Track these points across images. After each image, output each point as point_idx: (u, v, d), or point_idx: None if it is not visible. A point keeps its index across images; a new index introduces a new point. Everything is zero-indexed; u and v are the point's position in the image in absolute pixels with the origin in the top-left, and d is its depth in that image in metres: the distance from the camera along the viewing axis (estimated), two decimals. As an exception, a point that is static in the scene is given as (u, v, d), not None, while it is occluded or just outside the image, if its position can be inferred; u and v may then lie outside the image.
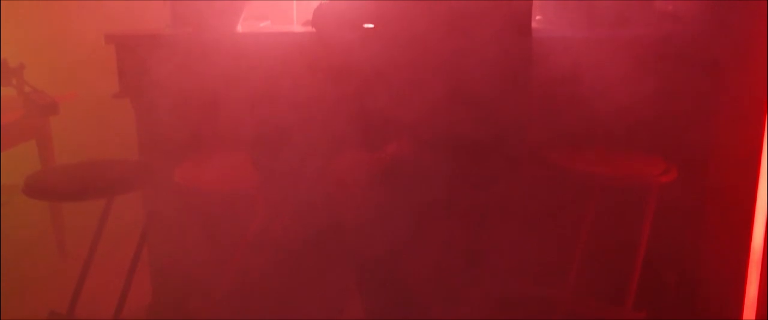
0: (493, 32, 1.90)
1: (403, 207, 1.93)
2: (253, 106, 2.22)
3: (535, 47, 2.07)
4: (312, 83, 2.20)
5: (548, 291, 2.41)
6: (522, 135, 2.04)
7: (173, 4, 2.45)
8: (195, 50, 2.26)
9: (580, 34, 2.31)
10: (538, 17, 2.47)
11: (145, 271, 2.47)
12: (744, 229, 2.33)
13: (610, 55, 2.25)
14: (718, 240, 2.46)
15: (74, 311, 2.37)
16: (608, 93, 2.21)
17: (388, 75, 1.98)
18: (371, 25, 2.15)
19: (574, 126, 2.37)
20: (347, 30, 2.16)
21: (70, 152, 2.94)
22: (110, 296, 2.38)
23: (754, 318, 2.31)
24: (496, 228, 2.10)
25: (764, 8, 2.21)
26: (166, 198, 2.34)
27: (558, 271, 2.38)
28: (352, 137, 2.02)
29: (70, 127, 3.13)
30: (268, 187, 2.15)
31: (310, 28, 2.30)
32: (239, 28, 2.46)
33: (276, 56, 2.26)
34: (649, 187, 2.21)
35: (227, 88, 2.24)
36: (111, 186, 2.11)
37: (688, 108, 2.39)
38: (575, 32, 2.32)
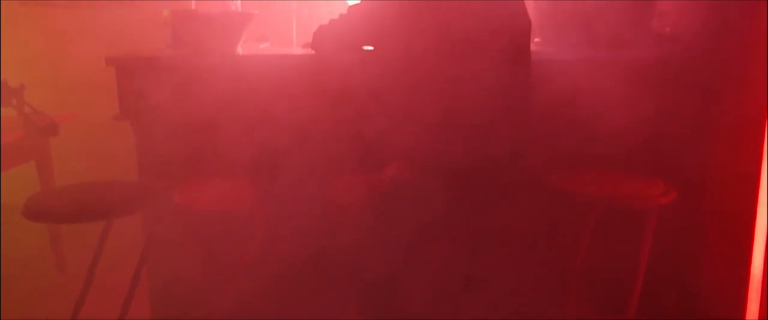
0: (493, 56, 1.91)
1: (401, 230, 1.93)
2: (253, 128, 2.23)
3: (534, 69, 2.08)
4: (311, 105, 2.21)
5: (548, 313, 2.41)
6: (521, 158, 2.04)
7: (173, 27, 2.46)
8: (195, 72, 2.27)
9: (579, 56, 2.31)
10: (536, 39, 2.49)
11: (144, 292, 2.47)
12: (744, 250, 2.33)
13: (609, 77, 2.26)
14: (718, 260, 2.46)
15: (73, 331, 2.36)
16: (607, 114, 2.22)
17: (386, 98, 1.99)
18: (370, 48, 2.16)
19: (573, 148, 2.37)
20: (346, 52, 2.17)
21: (69, 173, 2.93)
22: (109, 316, 2.37)
23: (754, 338, 2.31)
24: (495, 250, 2.10)
25: (762, 30, 2.22)
26: (166, 219, 2.33)
27: (558, 293, 2.37)
28: (351, 159, 2.03)
29: (70, 148, 3.13)
30: (267, 209, 2.16)
31: (309, 51, 2.32)
32: (239, 50, 2.47)
33: (276, 78, 2.27)
34: (648, 209, 2.21)
35: (227, 110, 2.25)
36: (110, 209, 2.11)
37: (687, 129, 2.40)
38: (574, 54, 2.32)
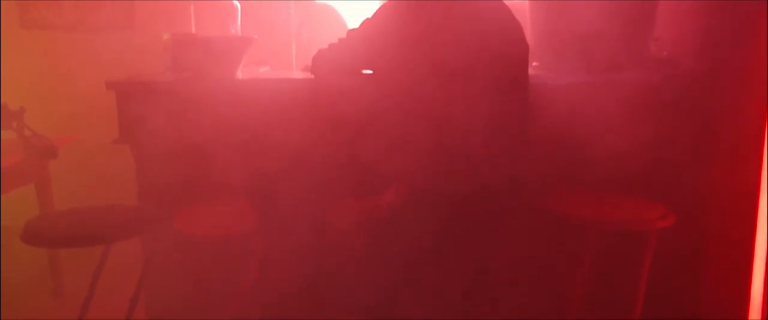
0: (491, 81, 1.92)
1: (399, 255, 1.92)
2: (252, 152, 2.23)
3: (532, 93, 2.09)
4: (310, 129, 2.22)
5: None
6: (519, 182, 2.05)
7: (173, 51, 2.48)
8: (194, 97, 2.28)
9: (577, 80, 2.33)
10: (534, 63, 2.50)
11: (141, 316, 2.46)
12: (743, 273, 2.33)
13: (607, 101, 2.27)
14: (718, 283, 2.46)
15: (71, 356, 2.35)
16: (605, 138, 2.23)
17: (384, 123, 2.00)
18: (369, 72, 2.17)
19: (571, 171, 2.38)
20: (345, 77, 2.18)
21: (69, 197, 2.94)
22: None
23: (755, 363, 2.30)
24: (493, 275, 2.10)
25: (758, 54, 2.24)
26: (164, 243, 2.33)
27: (557, 317, 2.36)
28: (349, 184, 2.03)
29: (69, 171, 3.13)
30: (265, 233, 2.15)
31: (309, 75, 2.33)
32: (239, 74, 2.48)
33: (275, 103, 2.27)
34: (647, 233, 2.21)
35: (226, 134, 2.26)
36: (109, 234, 2.11)
37: (685, 152, 2.40)
38: (572, 78, 2.33)
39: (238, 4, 2.69)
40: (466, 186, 1.92)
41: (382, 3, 2.26)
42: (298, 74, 2.56)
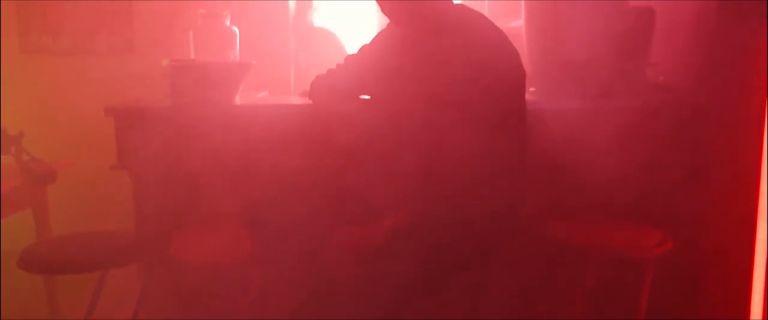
0: (488, 107, 1.93)
1: (396, 282, 1.92)
2: (250, 178, 2.23)
3: (529, 119, 2.10)
4: (308, 155, 2.22)
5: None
6: (517, 209, 2.05)
7: (172, 77, 2.49)
8: (192, 123, 2.28)
9: (574, 105, 2.33)
10: (531, 89, 2.51)
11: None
12: (742, 299, 2.32)
13: (603, 126, 2.27)
14: (716, 309, 2.44)
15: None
16: (602, 163, 2.23)
17: (382, 149, 2.00)
18: (367, 97, 2.18)
19: (568, 197, 2.38)
20: (343, 103, 2.19)
21: (66, 221, 2.93)
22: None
23: (755, 389, 2.29)
24: (491, 301, 2.09)
25: (755, 77, 2.25)
26: (161, 269, 2.33)
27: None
28: (348, 211, 2.03)
29: (67, 196, 3.13)
30: (263, 260, 2.15)
31: (307, 100, 2.34)
32: (237, 100, 2.49)
33: (273, 128, 2.28)
34: (645, 259, 2.20)
35: (224, 160, 2.26)
36: (105, 261, 2.10)
37: (682, 178, 2.40)
38: (569, 104, 2.34)
39: (236, 29, 2.70)
40: (462, 213, 1.92)
41: (380, 28, 2.29)
42: (297, 100, 2.57)
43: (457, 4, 2.09)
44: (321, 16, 3.58)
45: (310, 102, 2.31)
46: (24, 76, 3.45)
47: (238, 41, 2.71)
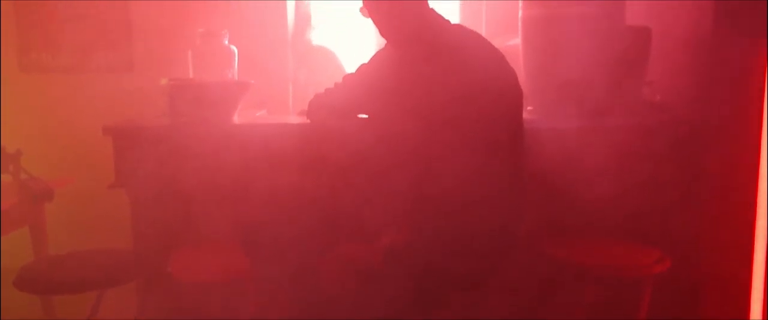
0: (485, 127, 1.93)
1: (393, 300, 1.91)
2: (248, 197, 2.23)
3: (527, 137, 2.10)
4: (306, 175, 2.23)
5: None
6: (515, 228, 2.05)
7: (170, 96, 2.49)
8: (191, 142, 2.29)
9: (571, 124, 2.34)
10: (529, 108, 2.52)
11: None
12: (741, 317, 2.32)
13: (600, 145, 2.28)
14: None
15: None
16: (599, 182, 2.23)
17: (378, 169, 2.01)
18: (365, 116, 2.19)
19: (566, 215, 2.38)
20: (341, 122, 2.20)
21: (64, 240, 2.92)
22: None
23: None
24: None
25: (751, 96, 2.26)
26: (159, 288, 2.32)
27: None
28: (346, 229, 2.03)
29: (64, 214, 3.12)
30: (260, 279, 2.14)
31: (305, 119, 2.34)
32: (235, 119, 2.49)
33: (271, 147, 2.28)
34: (643, 278, 2.20)
35: (222, 178, 2.27)
36: (103, 280, 2.10)
37: (679, 196, 2.41)
38: (566, 123, 2.35)
39: (235, 48, 2.72)
40: (460, 233, 1.92)
41: (379, 47, 2.30)
42: (295, 119, 2.58)
43: (454, 25, 2.10)
44: (319, 35, 3.59)
45: (308, 121, 2.31)
46: (23, 93, 3.45)
47: (236, 60, 2.72)
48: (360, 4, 2.09)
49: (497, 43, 2.65)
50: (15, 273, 2.19)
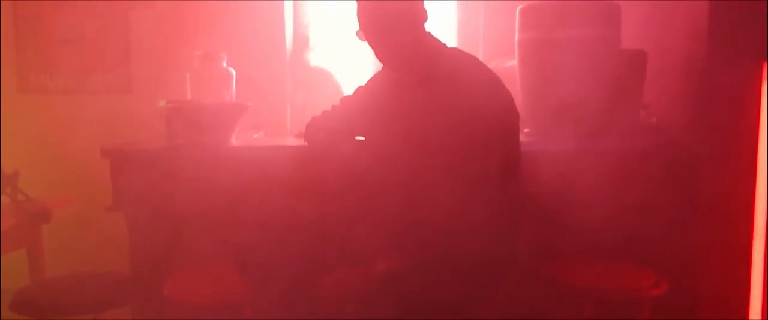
0: (482, 150, 1.94)
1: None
2: (246, 220, 2.23)
3: (523, 160, 2.11)
4: (303, 197, 2.23)
5: None
6: (512, 251, 2.05)
7: (168, 118, 2.50)
8: (188, 164, 2.29)
9: (568, 146, 2.35)
10: (525, 130, 2.52)
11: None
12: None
13: (597, 167, 2.28)
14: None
15: None
16: (595, 205, 2.23)
17: (377, 191, 2.01)
18: (362, 138, 2.19)
19: (563, 238, 2.38)
20: (338, 144, 2.20)
21: (60, 261, 2.92)
22: None
23: None
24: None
25: (747, 118, 2.27)
26: (156, 311, 2.31)
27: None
28: (342, 253, 2.03)
29: (62, 235, 3.12)
30: (257, 302, 2.14)
31: (302, 142, 2.35)
32: (233, 140, 2.50)
33: (268, 170, 2.29)
34: (640, 300, 2.20)
35: (219, 201, 2.27)
36: (99, 303, 2.10)
37: (676, 218, 2.41)
38: (563, 145, 2.36)
39: (233, 70, 2.73)
40: (456, 257, 1.92)
41: (376, 69, 2.31)
42: (292, 141, 2.59)
43: (451, 49, 2.11)
44: (317, 56, 3.61)
45: (305, 143, 2.32)
46: (21, 115, 3.46)
47: (234, 82, 2.73)
48: (357, 27, 2.10)
49: (494, 64, 2.67)
50: (11, 295, 2.18)
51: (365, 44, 2.10)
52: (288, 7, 3.49)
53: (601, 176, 2.26)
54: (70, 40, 3.47)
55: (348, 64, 3.58)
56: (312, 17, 3.61)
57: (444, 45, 2.11)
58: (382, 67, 2.19)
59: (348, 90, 3.17)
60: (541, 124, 2.49)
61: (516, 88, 2.42)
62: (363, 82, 2.29)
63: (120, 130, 3.04)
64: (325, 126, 2.28)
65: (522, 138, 2.22)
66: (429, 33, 2.09)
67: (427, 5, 2.08)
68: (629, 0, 2.55)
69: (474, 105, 1.94)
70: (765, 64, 2.26)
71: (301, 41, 3.58)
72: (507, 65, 2.68)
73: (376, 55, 2.09)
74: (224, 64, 2.74)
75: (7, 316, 2.23)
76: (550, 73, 2.40)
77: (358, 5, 2.07)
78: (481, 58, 2.77)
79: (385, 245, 1.98)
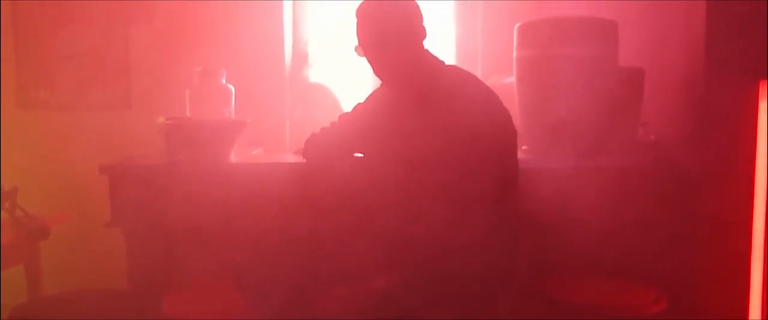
0: (480, 167, 1.94)
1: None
2: (244, 237, 2.23)
3: (521, 177, 2.11)
4: (302, 214, 2.23)
5: None
6: (511, 268, 2.05)
7: (167, 134, 2.51)
8: (187, 180, 2.29)
9: (566, 164, 2.35)
10: (523, 147, 2.53)
11: None
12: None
13: (595, 185, 2.29)
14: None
15: None
16: (594, 222, 2.24)
17: (376, 207, 2.01)
18: (361, 155, 2.20)
19: (561, 255, 2.38)
20: (337, 161, 2.20)
21: (58, 278, 2.91)
22: None
23: None
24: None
25: (746, 136, 2.27)
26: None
27: None
28: (341, 270, 2.03)
29: (60, 251, 3.11)
30: (256, 319, 2.13)
31: (301, 158, 2.35)
32: (232, 157, 2.50)
33: (267, 187, 2.29)
34: (640, 318, 2.20)
35: (218, 218, 2.26)
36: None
37: (674, 236, 2.41)
38: (561, 162, 2.36)
39: (232, 87, 2.74)
40: (455, 274, 1.92)
41: (375, 85, 2.32)
42: (291, 157, 2.59)
43: (449, 66, 2.12)
44: (317, 72, 3.62)
45: (304, 160, 2.32)
46: (20, 130, 3.46)
47: (233, 99, 2.74)
48: (356, 43, 2.10)
49: (492, 81, 2.68)
50: (8, 311, 2.17)
51: (364, 60, 2.10)
52: (287, 24, 3.51)
53: (600, 193, 2.27)
54: (69, 55, 3.48)
55: (347, 80, 3.59)
56: (311, 33, 3.62)
57: (442, 62, 2.12)
58: (381, 84, 2.20)
59: (347, 106, 3.17)
60: (539, 141, 2.49)
61: (514, 104, 2.43)
62: (362, 97, 2.30)
63: (119, 145, 3.04)
64: (324, 143, 2.28)
65: (520, 155, 2.23)
66: (427, 50, 2.10)
67: (426, 23, 2.09)
68: (627, 18, 2.57)
69: (471, 124, 1.94)
70: (761, 82, 2.27)
71: (301, 57, 3.59)
72: (505, 82, 2.69)
73: (375, 71, 2.10)
74: (223, 81, 2.74)
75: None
76: (549, 90, 2.41)
77: (357, 22, 2.08)
78: (479, 75, 2.80)
79: (382, 262, 1.98)
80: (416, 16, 2.06)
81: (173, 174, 2.33)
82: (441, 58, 2.13)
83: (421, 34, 2.07)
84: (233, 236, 2.26)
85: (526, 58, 2.46)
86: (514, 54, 2.51)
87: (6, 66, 3.45)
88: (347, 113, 2.32)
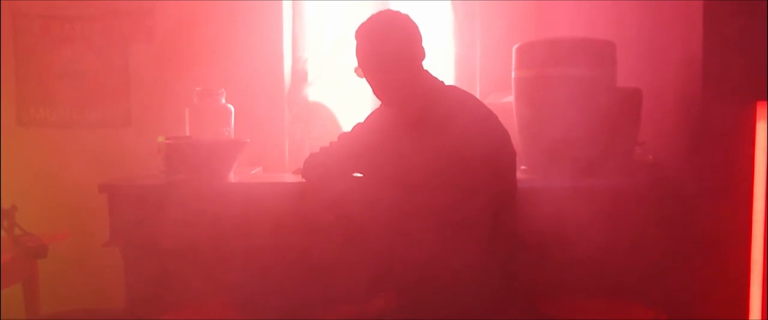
0: (478, 188, 1.95)
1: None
2: (243, 256, 2.23)
3: (520, 197, 2.11)
4: (301, 233, 2.23)
5: None
6: (509, 288, 2.05)
7: (167, 153, 2.51)
8: (186, 200, 2.29)
9: (564, 184, 2.35)
10: (522, 167, 2.53)
11: None
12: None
13: (593, 204, 2.29)
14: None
15: None
16: (592, 242, 2.23)
17: (374, 228, 2.01)
18: (360, 175, 2.20)
19: (560, 275, 2.37)
20: (336, 182, 2.21)
21: (56, 297, 2.91)
22: None
23: None
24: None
25: (744, 155, 2.28)
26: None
27: None
28: (339, 290, 2.03)
29: (58, 270, 3.11)
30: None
31: (300, 178, 2.35)
32: (231, 177, 2.50)
33: (266, 206, 2.29)
34: (639, 339, 2.20)
35: (217, 238, 2.26)
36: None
37: (672, 256, 2.41)
38: (559, 182, 2.36)
39: (231, 107, 2.75)
40: (452, 294, 1.92)
41: (375, 105, 2.32)
42: (290, 177, 2.59)
43: (448, 87, 2.12)
44: (316, 91, 3.64)
45: (303, 180, 2.33)
46: (20, 148, 3.47)
47: (233, 118, 2.75)
48: (355, 63, 2.11)
49: (491, 100, 2.70)
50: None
51: (363, 80, 2.11)
52: (286, 43, 3.53)
53: (598, 213, 2.27)
54: (69, 74, 3.50)
55: (346, 99, 3.60)
56: (310, 53, 3.64)
57: (442, 83, 2.13)
58: (381, 104, 2.21)
59: (346, 125, 3.19)
60: (537, 161, 2.49)
61: (513, 124, 2.44)
62: (361, 117, 2.31)
63: (118, 164, 3.05)
64: (323, 163, 2.28)
65: (518, 175, 2.23)
66: (427, 71, 2.11)
67: (425, 43, 2.10)
68: (625, 39, 2.58)
69: (468, 145, 1.94)
70: (759, 103, 2.28)
71: (300, 77, 3.60)
72: (504, 101, 2.70)
73: (374, 92, 2.11)
74: (223, 101, 2.75)
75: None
76: (547, 110, 2.42)
77: (356, 43, 2.09)
78: (478, 94, 2.81)
79: (380, 283, 1.99)
80: (415, 36, 2.07)
81: (172, 194, 2.33)
82: (440, 77, 2.14)
83: (421, 54, 2.08)
84: (232, 256, 2.26)
85: (525, 79, 2.47)
86: (513, 74, 2.52)
87: (6, 84, 3.47)
88: (346, 133, 2.33)
